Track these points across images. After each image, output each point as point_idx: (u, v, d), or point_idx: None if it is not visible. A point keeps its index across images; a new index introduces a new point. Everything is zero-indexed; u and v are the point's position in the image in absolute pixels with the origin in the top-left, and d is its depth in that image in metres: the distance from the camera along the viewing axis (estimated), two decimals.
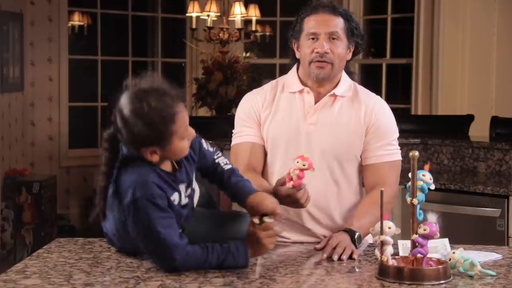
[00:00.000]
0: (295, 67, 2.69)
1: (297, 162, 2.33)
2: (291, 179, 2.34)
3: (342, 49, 2.58)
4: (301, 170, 2.32)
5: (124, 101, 2.09)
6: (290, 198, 2.36)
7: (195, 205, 2.29)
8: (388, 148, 2.62)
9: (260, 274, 2.19)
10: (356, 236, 2.41)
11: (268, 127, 2.63)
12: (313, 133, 2.59)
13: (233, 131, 2.71)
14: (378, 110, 2.63)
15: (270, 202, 2.23)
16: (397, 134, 2.68)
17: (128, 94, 2.10)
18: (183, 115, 2.08)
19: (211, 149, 2.33)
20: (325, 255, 2.33)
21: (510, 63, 6.85)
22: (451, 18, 6.87)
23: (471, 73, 6.88)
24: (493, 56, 6.85)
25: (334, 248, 2.35)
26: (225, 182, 2.31)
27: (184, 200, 2.18)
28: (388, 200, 2.48)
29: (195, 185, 2.30)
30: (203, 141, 2.30)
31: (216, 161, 2.33)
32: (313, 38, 2.57)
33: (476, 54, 6.86)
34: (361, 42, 2.64)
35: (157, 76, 2.13)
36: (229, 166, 2.34)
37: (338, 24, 2.57)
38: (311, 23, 2.57)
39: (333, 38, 2.56)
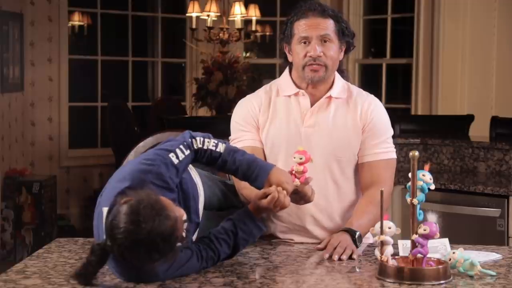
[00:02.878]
0: (287, 70, 2.70)
1: (294, 158, 2.34)
2: (295, 176, 2.34)
3: (334, 51, 2.58)
4: (301, 164, 2.32)
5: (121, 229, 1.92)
6: (297, 195, 2.37)
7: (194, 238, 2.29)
8: (383, 146, 2.63)
9: (260, 274, 2.20)
10: (356, 236, 2.42)
11: (267, 131, 2.63)
12: (311, 135, 2.60)
13: (229, 138, 2.71)
14: (373, 109, 2.65)
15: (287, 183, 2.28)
16: (392, 132, 2.69)
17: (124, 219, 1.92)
18: (180, 227, 1.98)
19: (186, 153, 2.21)
20: (326, 255, 2.34)
21: (510, 63, 6.84)
22: (451, 18, 6.87)
23: (471, 73, 6.88)
24: (493, 56, 6.85)
25: (335, 248, 2.35)
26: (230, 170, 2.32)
27: None
28: (383, 198, 2.49)
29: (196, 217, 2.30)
30: (169, 165, 2.16)
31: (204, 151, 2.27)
32: (305, 42, 2.57)
33: (476, 54, 6.86)
34: (351, 41, 2.65)
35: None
36: (218, 151, 2.28)
37: (328, 26, 2.57)
38: (302, 27, 2.57)
39: (325, 41, 2.56)
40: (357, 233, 2.43)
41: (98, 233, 2.11)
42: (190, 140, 2.24)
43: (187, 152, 2.21)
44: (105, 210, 2.06)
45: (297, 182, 2.33)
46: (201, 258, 2.17)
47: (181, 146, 2.21)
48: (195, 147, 2.24)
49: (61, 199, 7.26)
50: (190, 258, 2.13)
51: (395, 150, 2.68)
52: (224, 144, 2.30)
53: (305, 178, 2.34)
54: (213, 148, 2.27)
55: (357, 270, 2.24)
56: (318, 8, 2.58)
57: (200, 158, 2.26)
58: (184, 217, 2.01)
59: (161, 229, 1.90)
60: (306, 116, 2.62)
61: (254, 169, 2.29)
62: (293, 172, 2.34)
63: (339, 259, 2.32)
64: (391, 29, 7.68)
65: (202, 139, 2.26)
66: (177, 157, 2.17)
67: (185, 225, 2.01)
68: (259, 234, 2.32)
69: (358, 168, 2.64)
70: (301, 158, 2.32)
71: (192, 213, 2.27)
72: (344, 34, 2.61)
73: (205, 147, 2.26)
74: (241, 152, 2.31)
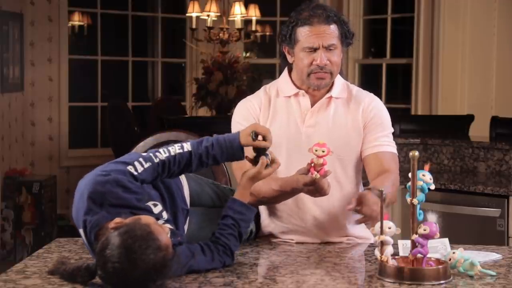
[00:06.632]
0: (286, 71, 2.70)
1: (316, 151, 2.33)
2: (315, 169, 2.33)
3: (338, 57, 2.59)
4: (321, 157, 2.32)
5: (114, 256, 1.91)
6: (314, 187, 2.37)
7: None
8: (384, 139, 2.64)
9: (260, 274, 2.20)
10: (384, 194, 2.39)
11: None
12: (312, 135, 2.59)
13: None
14: (374, 107, 2.66)
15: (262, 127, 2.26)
16: (392, 130, 2.71)
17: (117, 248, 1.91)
18: (168, 249, 1.96)
19: (145, 165, 2.17)
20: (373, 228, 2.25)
21: (510, 63, 6.84)
22: (451, 18, 6.87)
23: (471, 73, 6.88)
24: (493, 56, 6.84)
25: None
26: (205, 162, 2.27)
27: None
28: (395, 182, 2.54)
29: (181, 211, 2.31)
30: (128, 174, 2.14)
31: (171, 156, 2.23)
32: (310, 50, 2.57)
33: (476, 54, 6.85)
34: (351, 41, 2.65)
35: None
36: (186, 151, 2.23)
37: (333, 34, 2.56)
38: (307, 36, 2.55)
39: (330, 49, 2.56)
40: (383, 190, 2.36)
41: (88, 250, 2.16)
42: (150, 154, 2.20)
43: (147, 164, 2.17)
44: (81, 231, 2.10)
45: (316, 175, 2.33)
46: (210, 252, 2.18)
47: (140, 159, 2.17)
48: (161, 159, 2.19)
49: (61, 199, 7.26)
50: (193, 256, 2.14)
51: (395, 147, 2.68)
52: (188, 142, 2.26)
53: (325, 171, 2.34)
54: (180, 151, 2.22)
55: (357, 270, 2.23)
56: (323, 15, 2.55)
57: (173, 167, 2.22)
58: (168, 230, 2.00)
59: (154, 262, 1.89)
60: (306, 116, 2.62)
61: (226, 147, 2.25)
62: (313, 164, 2.33)
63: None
64: (391, 29, 7.68)
65: (165, 148, 2.23)
66: (136, 170, 2.15)
67: (168, 231, 2.01)
68: (254, 214, 2.32)
69: (365, 161, 2.63)
70: (323, 151, 2.31)
71: (179, 201, 2.30)
72: (346, 37, 2.61)
73: (172, 154, 2.21)
74: (204, 139, 2.27)
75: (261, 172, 2.26)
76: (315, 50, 2.55)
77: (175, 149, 2.23)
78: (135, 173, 2.14)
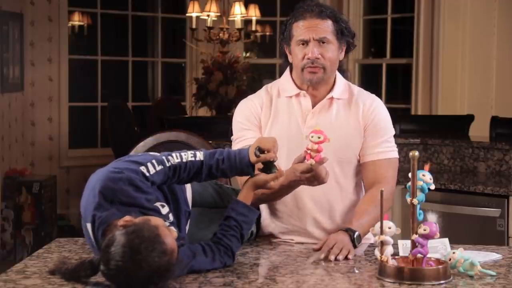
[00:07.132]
0: (288, 71, 2.70)
1: (312, 137, 2.31)
2: (310, 156, 2.32)
3: (332, 53, 2.58)
4: (317, 143, 2.31)
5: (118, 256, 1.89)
6: (311, 174, 2.36)
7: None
8: (385, 145, 2.63)
9: (260, 274, 2.20)
10: (355, 236, 2.41)
11: (269, 132, 2.63)
12: None
13: (231, 137, 2.70)
14: (375, 109, 2.65)
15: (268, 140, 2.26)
16: (393, 132, 2.70)
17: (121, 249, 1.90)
18: (173, 251, 1.95)
19: (157, 168, 2.17)
20: (322, 256, 2.33)
21: (510, 63, 6.84)
22: (451, 18, 6.87)
23: (471, 73, 6.88)
24: (493, 56, 6.84)
25: (331, 249, 2.35)
26: (215, 173, 2.28)
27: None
28: (386, 197, 2.48)
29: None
30: (143, 173, 2.13)
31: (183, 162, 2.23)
32: (303, 44, 2.57)
33: (476, 54, 6.85)
34: (352, 41, 2.64)
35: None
36: (198, 160, 2.24)
37: (326, 28, 2.56)
38: (299, 29, 2.57)
39: (323, 42, 2.56)
40: (356, 233, 2.42)
41: (91, 246, 2.15)
42: (162, 157, 2.20)
43: (159, 167, 2.17)
44: (88, 226, 2.09)
45: (311, 161, 2.32)
46: (211, 252, 2.18)
47: (153, 161, 2.17)
48: (172, 163, 2.20)
49: (61, 199, 7.26)
50: (194, 256, 2.14)
51: (397, 149, 2.68)
52: (201, 152, 2.26)
53: (320, 157, 2.32)
54: (192, 159, 2.23)
55: (357, 270, 2.24)
56: (315, 10, 2.57)
57: (183, 173, 2.22)
58: (176, 234, 2.00)
59: (159, 265, 1.89)
60: (308, 117, 2.62)
61: (236, 163, 2.25)
62: (309, 151, 2.33)
63: (335, 259, 2.31)
64: (391, 29, 7.68)
65: (178, 154, 2.23)
66: (148, 171, 2.14)
67: (176, 236, 2.01)
68: (256, 216, 2.33)
69: (362, 168, 2.64)
70: (319, 137, 2.30)
71: (182, 203, 2.29)
72: (343, 34, 2.60)
73: (184, 160, 2.21)
74: (217, 152, 2.28)
75: (269, 182, 2.27)
76: (307, 43, 2.55)
77: (187, 156, 2.23)
78: (147, 174, 2.14)
